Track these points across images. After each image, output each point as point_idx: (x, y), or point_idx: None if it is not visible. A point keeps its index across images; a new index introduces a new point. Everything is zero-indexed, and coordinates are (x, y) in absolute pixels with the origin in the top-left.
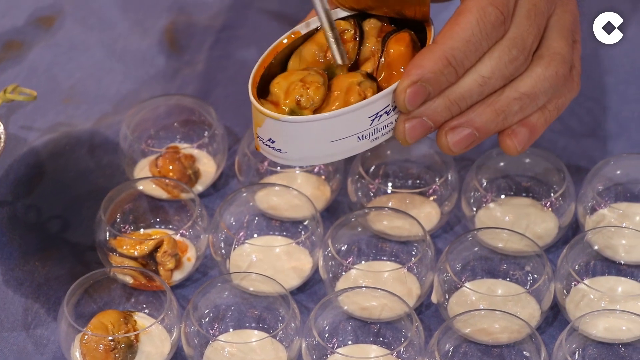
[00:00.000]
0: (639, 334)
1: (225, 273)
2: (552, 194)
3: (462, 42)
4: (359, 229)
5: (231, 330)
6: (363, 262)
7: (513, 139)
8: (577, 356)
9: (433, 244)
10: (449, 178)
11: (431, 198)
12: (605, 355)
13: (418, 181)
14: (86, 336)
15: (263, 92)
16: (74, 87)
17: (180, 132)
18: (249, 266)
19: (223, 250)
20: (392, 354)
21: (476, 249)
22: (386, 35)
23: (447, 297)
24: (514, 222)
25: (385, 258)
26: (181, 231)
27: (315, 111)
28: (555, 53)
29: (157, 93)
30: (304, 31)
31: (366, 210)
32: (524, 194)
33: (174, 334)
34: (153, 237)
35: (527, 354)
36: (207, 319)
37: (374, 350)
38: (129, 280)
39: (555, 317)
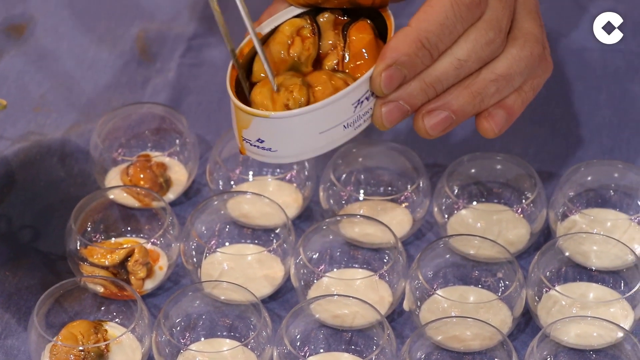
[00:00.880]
0: (610, 340)
1: (197, 282)
2: (523, 200)
3: (436, 24)
4: (331, 237)
5: (203, 339)
6: (335, 269)
7: (490, 122)
8: None
9: (405, 251)
10: (421, 185)
11: (403, 205)
12: None
13: (390, 188)
14: (56, 347)
15: (238, 94)
16: (45, 96)
17: (151, 141)
18: (220, 275)
19: (194, 259)
20: None
21: (448, 255)
22: (344, 25)
23: (419, 304)
24: (486, 228)
25: (357, 265)
26: (152, 240)
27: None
28: (528, 33)
29: (128, 101)
30: (264, 32)
31: (338, 218)
32: (495, 200)
33: (145, 343)
34: (124, 246)
35: None
36: (178, 328)
37: (346, 358)
38: (100, 289)
39: (527, 324)
